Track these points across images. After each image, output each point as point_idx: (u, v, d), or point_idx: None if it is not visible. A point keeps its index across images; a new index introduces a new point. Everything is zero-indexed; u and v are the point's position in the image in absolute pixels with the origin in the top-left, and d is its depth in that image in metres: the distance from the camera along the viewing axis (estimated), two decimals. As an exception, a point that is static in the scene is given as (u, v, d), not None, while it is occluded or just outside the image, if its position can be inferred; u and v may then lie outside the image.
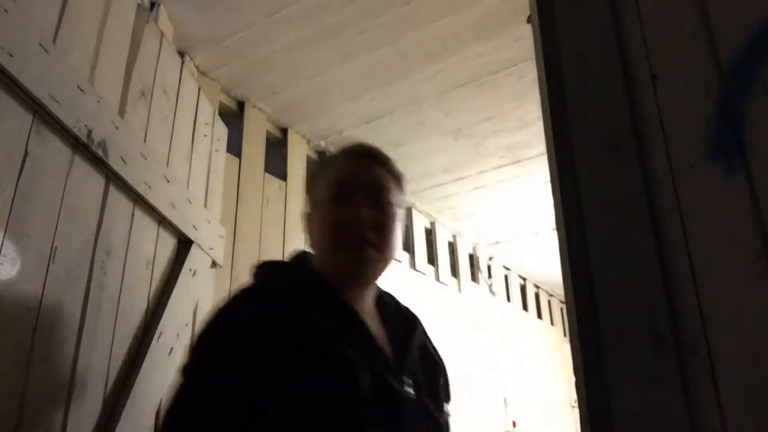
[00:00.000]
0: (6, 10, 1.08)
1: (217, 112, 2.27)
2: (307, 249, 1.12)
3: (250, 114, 2.70)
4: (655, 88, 0.88)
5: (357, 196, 1.00)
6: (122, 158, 1.46)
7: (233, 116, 2.62)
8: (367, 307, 1.05)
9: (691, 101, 0.83)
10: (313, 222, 1.07)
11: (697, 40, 0.85)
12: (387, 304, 1.11)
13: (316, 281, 1.01)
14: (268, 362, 0.83)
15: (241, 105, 2.68)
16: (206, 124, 2.08)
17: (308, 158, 3.03)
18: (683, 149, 0.83)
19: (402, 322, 1.08)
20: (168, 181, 1.71)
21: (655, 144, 0.86)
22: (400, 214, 1.05)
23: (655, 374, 0.76)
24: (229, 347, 0.87)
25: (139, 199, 1.57)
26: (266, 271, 1.08)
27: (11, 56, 1.08)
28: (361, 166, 1.05)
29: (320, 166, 1.16)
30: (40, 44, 1.17)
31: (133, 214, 1.56)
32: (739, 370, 0.72)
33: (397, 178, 1.08)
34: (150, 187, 1.59)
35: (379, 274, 1.06)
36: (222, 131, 2.22)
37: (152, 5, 2.08)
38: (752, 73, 0.78)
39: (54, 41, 1.23)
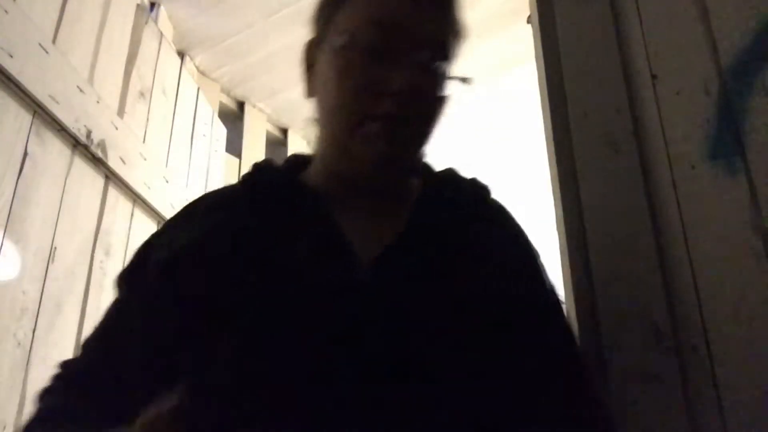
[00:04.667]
0: (6, 11, 1.08)
1: (216, 112, 2.27)
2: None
3: (250, 114, 2.70)
4: (655, 88, 0.88)
5: (395, 51, 0.65)
6: (121, 158, 1.46)
7: (233, 116, 2.62)
8: (381, 210, 0.71)
9: (691, 101, 0.83)
10: (318, 77, 0.71)
11: (697, 40, 0.85)
12: (435, 198, 0.73)
13: (288, 182, 0.73)
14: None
15: (241, 105, 2.68)
16: (205, 124, 2.09)
17: (308, 158, 3.03)
18: (683, 149, 0.83)
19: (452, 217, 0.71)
20: (167, 181, 1.71)
21: (655, 144, 0.86)
22: (447, 87, 0.69)
23: (655, 373, 0.76)
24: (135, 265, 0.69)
25: (138, 199, 1.57)
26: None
27: (11, 56, 1.07)
28: (414, 5, 0.67)
29: None
30: (40, 44, 1.17)
31: (132, 214, 1.56)
32: (739, 370, 0.72)
33: (459, 33, 0.71)
34: (149, 188, 1.60)
35: (404, 173, 0.75)
36: (221, 131, 2.23)
37: (152, 5, 2.08)
38: (752, 73, 0.79)
39: (54, 41, 1.23)
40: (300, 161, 0.78)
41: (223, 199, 0.73)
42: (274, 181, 0.73)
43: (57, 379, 0.67)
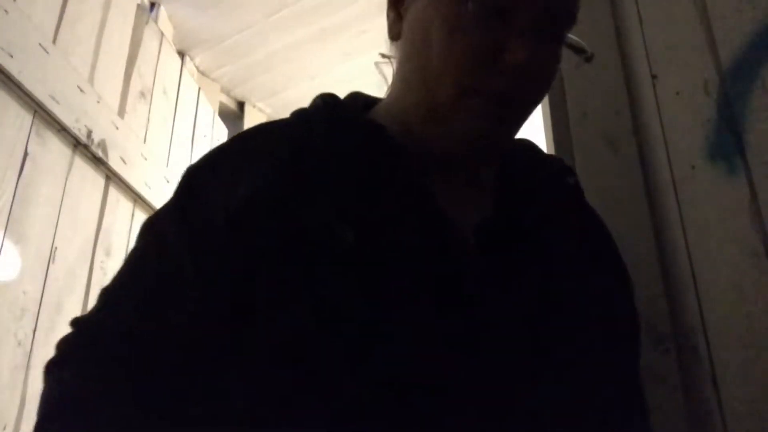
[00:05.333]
0: (6, 11, 1.08)
1: (217, 112, 2.28)
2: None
3: (250, 114, 2.70)
4: (655, 88, 0.88)
5: (523, 16, 0.52)
6: (122, 158, 1.46)
7: (233, 116, 2.62)
8: (465, 179, 0.62)
9: (691, 101, 0.83)
10: (412, 23, 0.58)
11: (697, 40, 0.85)
12: (516, 171, 0.64)
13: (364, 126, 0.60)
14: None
15: (241, 105, 2.68)
16: (206, 124, 2.09)
17: (308, 158, 3.03)
18: (683, 149, 0.83)
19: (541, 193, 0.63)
20: (168, 182, 1.71)
21: (655, 144, 0.86)
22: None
23: (655, 373, 0.76)
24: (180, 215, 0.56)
25: (139, 199, 1.57)
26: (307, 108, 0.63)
27: (11, 56, 1.08)
28: None
29: None
30: (40, 44, 1.17)
31: (133, 214, 1.56)
32: (739, 370, 0.72)
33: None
34: (150, 188, 1.60)
35: (497, 152, 0.63)
36: (221, 131, 2.23)
37: (152, 5, 2.08)
38: (752, 74, 0.78)
39: (54, 41, 1.23)
40: (362, 103, 0.65)
41: (285, 137, 0.59)
42: (347, 121, 0.60)
43: (73, 343, 0.55)
